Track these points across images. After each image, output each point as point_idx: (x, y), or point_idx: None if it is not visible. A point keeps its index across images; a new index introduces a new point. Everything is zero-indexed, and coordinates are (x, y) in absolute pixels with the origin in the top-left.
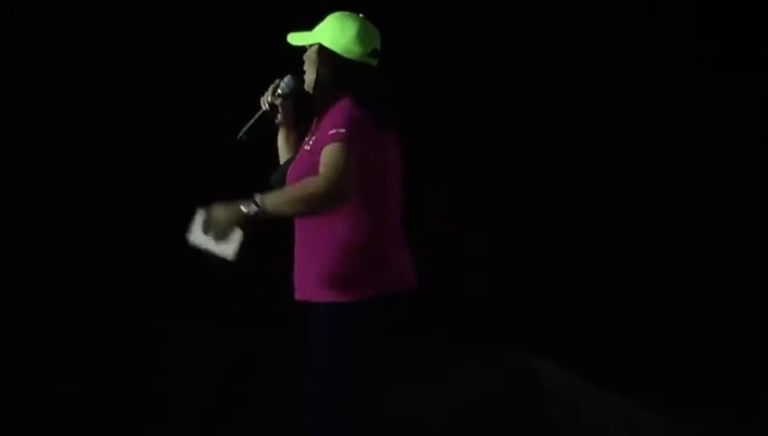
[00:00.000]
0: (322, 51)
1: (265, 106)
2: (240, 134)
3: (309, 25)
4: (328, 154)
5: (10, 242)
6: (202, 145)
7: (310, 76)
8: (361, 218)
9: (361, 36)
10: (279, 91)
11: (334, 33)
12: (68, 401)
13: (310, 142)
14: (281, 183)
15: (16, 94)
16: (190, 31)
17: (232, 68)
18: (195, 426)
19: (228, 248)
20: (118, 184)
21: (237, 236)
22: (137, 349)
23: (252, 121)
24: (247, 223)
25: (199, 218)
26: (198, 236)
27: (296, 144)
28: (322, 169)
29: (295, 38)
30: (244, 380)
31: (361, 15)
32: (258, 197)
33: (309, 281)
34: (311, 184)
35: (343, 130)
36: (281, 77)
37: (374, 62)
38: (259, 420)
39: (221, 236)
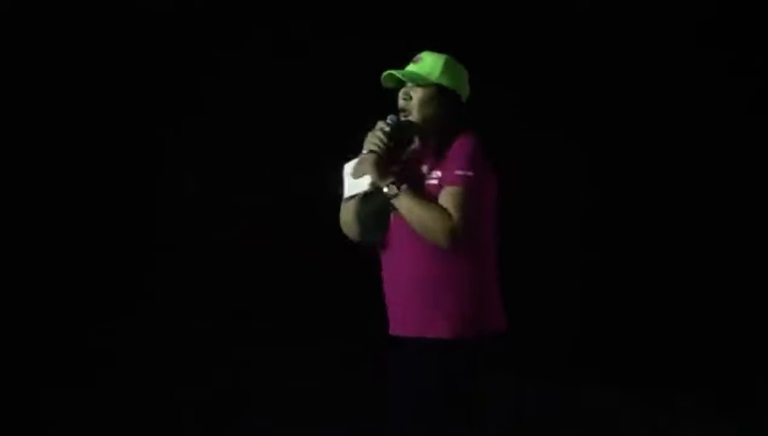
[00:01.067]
0: (443, 92)
1: (377, 149)
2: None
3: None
4: (458, 198)
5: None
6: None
7: (423, 114)
8: (482, 257)
9: (467, 80)
10: (385, 128)
11: (453, 75)
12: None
13: (435, 177)
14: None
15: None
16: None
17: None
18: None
19: (362, 184)
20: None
21: (365, 183)
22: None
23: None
24: (377, 191)
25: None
26: (347, 169)
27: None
28: (452, 211)
29: (411, 77)
30: None
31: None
32: (405, 186)
33: (430, 317)
34: (444, 222)
35: (471, 174)
36: (383, 120)
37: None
38: None
39: (358, 175)
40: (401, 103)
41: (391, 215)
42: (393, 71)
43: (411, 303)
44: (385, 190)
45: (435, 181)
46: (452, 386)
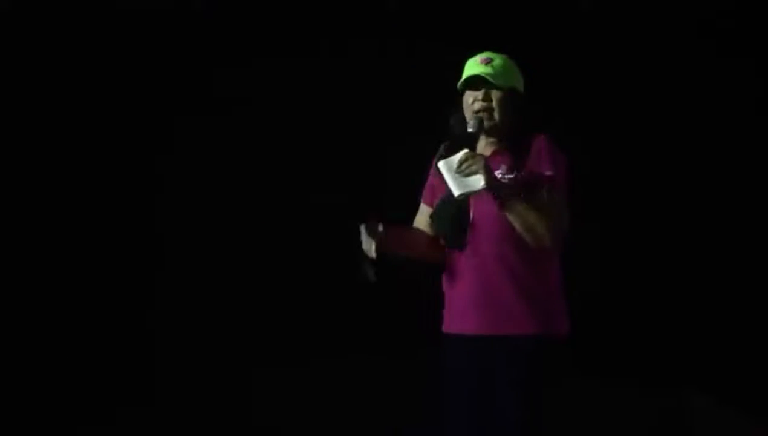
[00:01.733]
0: (516, 95)
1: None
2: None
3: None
4: (555, 198)
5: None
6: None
7: (501, 116)
8: (560, 257)
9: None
10: (470, 129)
11: (519, 78)
12: None
13: (509, 176)
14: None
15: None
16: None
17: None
18: None
19: (476, 182)
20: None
21: (480, 181)
22: None
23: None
24: (488, 185)
25: (459, 154)
26: (447, 166)
27: None
28: (554, 211)
29: (498, 78)
30: None
31: None
32: (510, 189)
33: (525, 315)
34: (551, 222)
35: (560, 174)
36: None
37: None
38: None
39: (468, 173)
40: (479, 105)
41: (471, 215)
42: (481, 74)
43: (501, 302)
44: (497, 193)
45: (506, 181)
46: (550, 383)
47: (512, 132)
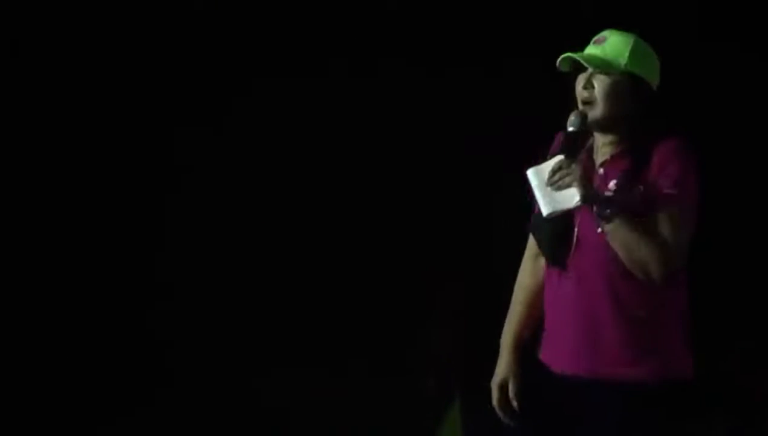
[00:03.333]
0: (634, 82)
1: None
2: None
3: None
4: (673, 223)
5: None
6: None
7: (610, 110)
8: (684, 287)
9: (658, 67)
10: (570, 127)
11: (644, 60)
12: None
13: (622, 190)
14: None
15: None
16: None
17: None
18: None
19: (569, 199)
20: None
21: (574, 197)
22: None
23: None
24: (585, 202)
25: (552, 161)
26: (537, 176)
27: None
28: (668, 239)
29: (592, 60)
30: None
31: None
32: (616, 212)
33: (632, 358)
34: (660, 253)
35: (686, 192)
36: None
37: None
38: None
39: (560, 186)
40: (581, 92)
41: (575, 234)
42: (572, 54)
43: (607, 339)
44: (597, 211)
45: (635, 201)
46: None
47: (635, 131)
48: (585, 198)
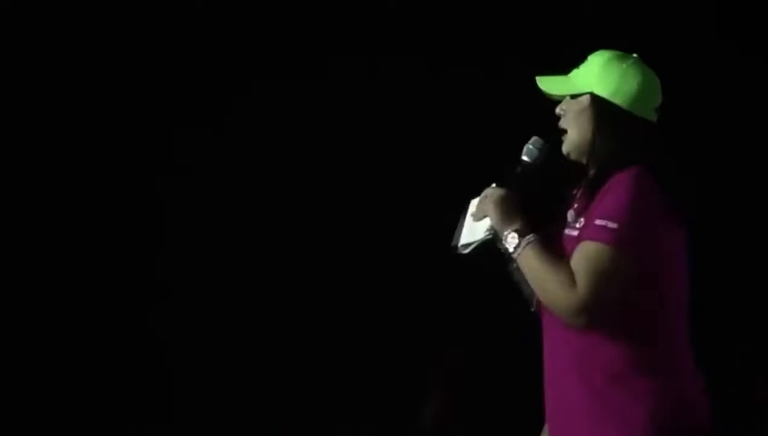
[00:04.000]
0: (600, 103)
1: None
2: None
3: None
4: (592, 259)
5: None
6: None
7: (578, 136)
8: (654, 340)
9: (649, 86)
10: (524, 157)
11: (615, 80)
12: None
13: (578, 225)
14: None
15: None
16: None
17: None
18: None
19: (480, 229)
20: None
21: (483, 228)
22: None
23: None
24: (491, 233)
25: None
26: (472, 207)
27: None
28: (580, 276)
29: (555, 85)
30: None
31: (635, 55)
32: (531, 236)
33: (594, 426)
34: (567, 291)
35: (616, 226)
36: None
37: (655, 120)
38: None
39: (479, 216)
40: (560, 121)
41: None
42: (538, 77)
43: (569, 406)
44: (504, 242)
45: (576, 233)
46: None
47: (599, 160)
48: (493, 228)
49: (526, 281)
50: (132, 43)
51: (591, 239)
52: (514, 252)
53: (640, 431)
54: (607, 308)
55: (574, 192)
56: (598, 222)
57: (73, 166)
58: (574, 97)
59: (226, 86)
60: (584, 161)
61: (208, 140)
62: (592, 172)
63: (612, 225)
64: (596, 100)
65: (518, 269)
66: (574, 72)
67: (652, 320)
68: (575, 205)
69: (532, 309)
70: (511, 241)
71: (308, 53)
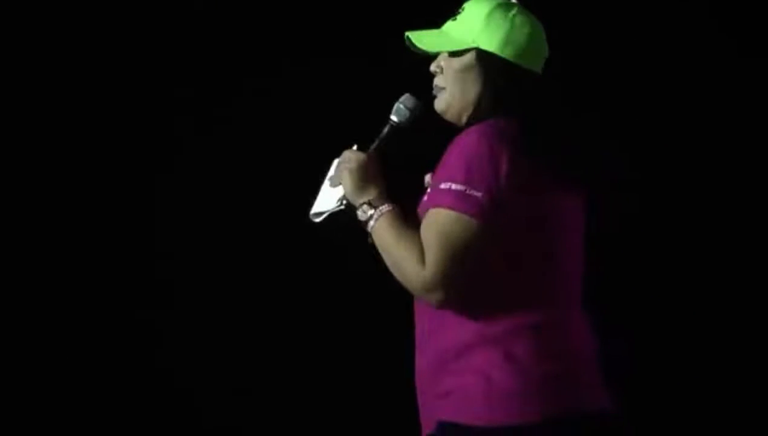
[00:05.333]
0: (487, 59)
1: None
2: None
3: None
4: (436, 228)
5: None
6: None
7: (459, 95)
8: (523, 306)
9: (539, 36)
10: (393, 117)
11: (503, 32)
12: None
13: (429, 190)
14: None
15: None
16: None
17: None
18: None
19: (332, 198)
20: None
21: (335, 197)
22: None
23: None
24: (342, 203)
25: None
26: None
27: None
28: (427, 248)
29: (431, 41)
30: None
31: (515, 1)
32: (385, 207)
33: (452, 397)
34: (414, 265)
35: (461, 188)
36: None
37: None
38: None
39: (334, 182)
40: (435, 78)
41: None
42: (409, 33)
43: (426, 382)
44: (358, 214)
45: (426, 199)
46: None
47: (480, 118)
48: (342, 199)
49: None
50: (132, 42)
51: (435, 205)
52: (366, 225)
53: (479, 403)
54: (461, 281)
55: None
56: (442, 186)
57: (73, 167)
58: (454, 53)
59: (226, 86)
60: (463, 121)
61: (207, 140)
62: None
63: (456, 187)
64: (483, 55)
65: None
66: (449, 24)
67: (514, 290)
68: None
69: None
70: (362, 214)
71: (308, 53)
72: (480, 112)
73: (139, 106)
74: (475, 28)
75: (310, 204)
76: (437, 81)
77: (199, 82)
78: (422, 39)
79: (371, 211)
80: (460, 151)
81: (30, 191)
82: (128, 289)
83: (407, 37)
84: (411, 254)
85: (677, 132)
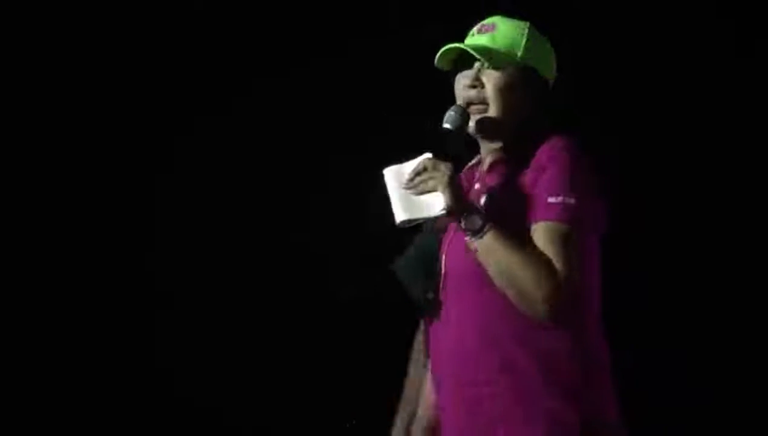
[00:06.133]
0: (530, 75)
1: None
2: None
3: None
4: (561, 242)
5: None
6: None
7: (503, 110)
8: (588, 327)
9: (554, 58)
10: (446, 125)
11: (540, 51)
12: None
13: (517, 203)
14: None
15: None
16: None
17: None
18: None
19: (430, 205)
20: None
21: (437, 204)
22: None
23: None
24: (450, 211)
25: (416, 160)
26: (396, 176)
27: None
28: (557, 264)
29: (488, 53)
30: None
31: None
32: (489, 226)
33: (518, 420)
34: (548, 282)
35: (574, 202)
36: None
37: None
38: None
39: (422, 190)
40: (466, 93)
41: (443, 260)
42: (459, 45)
43: (486, 405)
44: (464, 223)
45: (511, 214)
46: None
47: (522, 133)
48: (450, 206)
49: (411, 287)
50: (131, 42)
51: (554, 218)
52: (476, 235)
53: (555, 417)
54: (578, 294)
55: (469, 172)
56: (552, 199)
57: (72, 167)
58: (498, 68)
59: (226, 86)
60: (496, 137)
61: (207, 140)
62: (515, 146)
63: (570, 200)
64: (529, 72)
65: (472, 253)
66: (485, 39)
67: (589, 311)
68: (481, 186)
69: (430, 296)
70: (470, 223)
71: (308, 53)
72: (521, 128)
73: (139, 106)
74: (518, 45)
75: (387, 213)
76: (476, 95)
77: (199, 83)
78: (483, 52)
79: (481, 221)
80: (564, 165)
81: (30, 191)
82: (128, 289)
83: (448, 49)
84: (536, 265)
85: (677, 132)
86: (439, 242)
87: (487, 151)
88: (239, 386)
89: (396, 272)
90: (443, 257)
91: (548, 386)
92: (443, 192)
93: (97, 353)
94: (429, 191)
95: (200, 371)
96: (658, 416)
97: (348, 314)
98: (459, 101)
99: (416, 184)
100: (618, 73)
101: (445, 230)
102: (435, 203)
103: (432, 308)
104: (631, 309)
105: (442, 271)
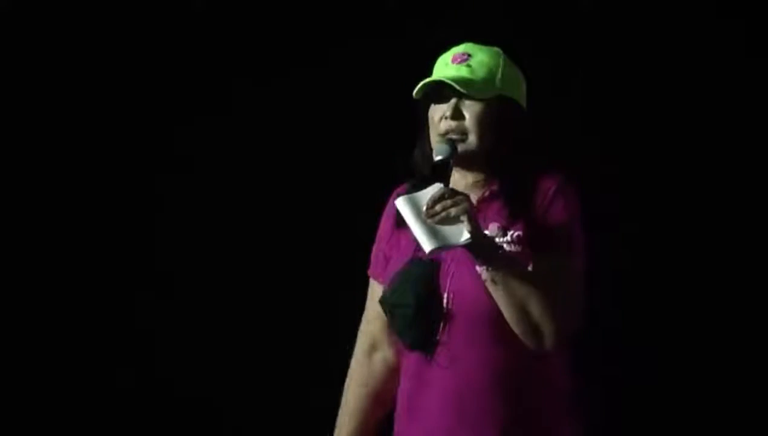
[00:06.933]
0: (512, 106)
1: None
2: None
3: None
4: (567, 275)
5: None
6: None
7: (485, 141)
8: (567, 363)
9: (525, 83)
10: (439, 156)
11: (518, 83)
12: None
13: (510, 239)
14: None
15: None
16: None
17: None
18: None
19: (455, 234)
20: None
21: (463, 233)
22: None
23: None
24: (475, 241)
25: (432, 188)
26: (413, 205)
27: None
28: (565, 294)
29: (475, 84)
30: None
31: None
32: (504, 255)
33: None
34: (554, 314)
35: (575, 240)
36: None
37: None
38: None
39: (444, 219)
40: (445, 124)
41: (447, 296)
42: (444, 79)
43: (492, 426)
44: (482, 253)
45: (516, 247)
46: None
47: (509, 166)
48: (474, 236)
49: (409, 314)
50: (131, 42)
51: (561, 252)
52: (492, 265)
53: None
54: (576, 327)
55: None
56: (560, 236)
57: (72, 167)
58: (480, 100)
59: (226, 86)
60: (476, 168)
61: (207, 140)
62: (490, 181)
63: (573, 238)
64: (509, 103)
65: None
66: (463, 69)
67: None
68: (489, 216)
69: (414, 347)
70: (491, 252)
71: (307, 53)
72: (499, 158)
73: (139, 106)
74: (495, 74)
75: (413, 246)
76: (457, 126)
77: (199, 83)
78: (465, 83)
79: (499, 251)
80: (561, 201)
81: (30, 191)
82: (128, 289)
83: (431, 82)
84: (550, 297)
85: (677, 132)
86: (430, 274)
87: (468, 184)
88: (239, 386)
89: (385, 305)
90: (447, 294)
91: (547, 412)
92: (468, 221)
93: (97, 353)
94: (451, 221)
95: (200, 371)
96: (657, 416)
97: (348, 315)
98: (436, 131)
99: (437, 212)
100: (620, 73)
101: (432, 259)
102: (457, 232)
103: (431, 346)
104: (632, 309)
105: (446, 308)
